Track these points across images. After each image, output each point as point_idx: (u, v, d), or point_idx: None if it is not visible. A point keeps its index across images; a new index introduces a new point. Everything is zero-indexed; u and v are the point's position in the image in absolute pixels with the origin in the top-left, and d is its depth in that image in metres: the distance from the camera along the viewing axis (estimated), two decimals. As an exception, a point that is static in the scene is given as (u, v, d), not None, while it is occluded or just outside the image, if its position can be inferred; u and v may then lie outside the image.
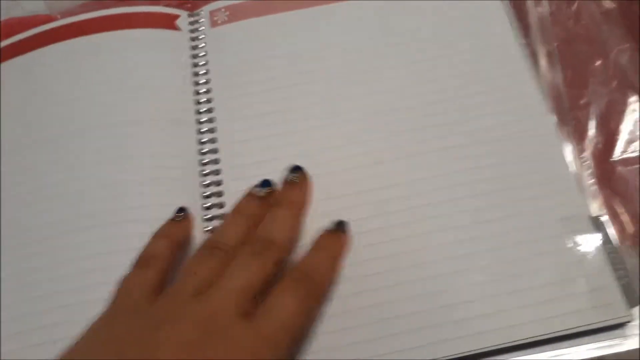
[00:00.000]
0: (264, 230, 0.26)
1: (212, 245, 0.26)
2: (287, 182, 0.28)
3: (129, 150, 0.33)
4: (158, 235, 0.28)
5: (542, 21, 0.38)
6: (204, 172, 0.33)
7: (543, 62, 0.37)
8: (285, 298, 0.24)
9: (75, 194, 0.32)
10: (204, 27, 0.37)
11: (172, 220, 0.29)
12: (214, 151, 0.33)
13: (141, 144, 0.33)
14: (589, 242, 0.29)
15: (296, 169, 0.28)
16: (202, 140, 0.33)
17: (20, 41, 0.37)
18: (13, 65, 0.37)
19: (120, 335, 0.22)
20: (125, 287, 0.25)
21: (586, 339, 0.27)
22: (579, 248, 0.29)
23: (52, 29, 0.37)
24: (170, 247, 0.27)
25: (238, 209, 0.28)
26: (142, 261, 0.26)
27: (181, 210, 0.29)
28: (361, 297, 0.28)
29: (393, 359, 0.26)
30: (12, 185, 0.33)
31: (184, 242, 0.28)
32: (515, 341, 0.27)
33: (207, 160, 0.33)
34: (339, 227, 0.27)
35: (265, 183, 0.28)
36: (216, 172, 0.32)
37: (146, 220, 0.29)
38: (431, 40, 0.35)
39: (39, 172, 0.33)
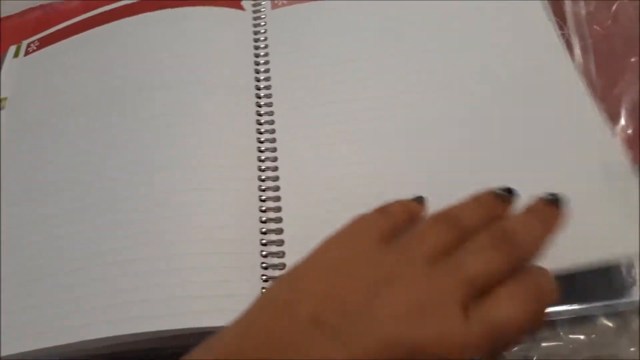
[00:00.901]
0: (510, 226, 0.24)
1: (448, 218, 0.25)
2: (544, 200, 0.26)
3: (194, 109, 0.36)
4: (397, 201, 0.27)
5: (578, 16, 0.41)
6: (260, 131, 0.36)
7: (577, 53, 0.39)
8: (511, 303, 0.22)
9: (143, 141, 0.35)
10: (265, 9, 0.41)
11: (411, 200, 0.28)
12: (270, 113, 0.36)
13: (205, 105, 0.37)
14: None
15: (553, 198, 0.26)
16: (260, 104, 0.37)
17: (102, 13, 0.42)
18: (94, 34, 0.41)
19: (345, 274, 0.22)
20: (360, 222, 0.25)
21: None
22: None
23: (133, 4, 0.42)
24: (406, 214, 0.26)
25: (477, 198, 0.26)
26: (381, 210, 0.26)
27: (420, 197, 0.28)
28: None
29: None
30: (88, 138, 0.37)
31: (416, 217, 0.27)
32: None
33: (263, 121, 0.36)
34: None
35: (509, 190, 0.27)
36: (272, 141, 0.35)
37: (204, 166, 0.32)
38: (476, 29, 0.38)
39: (111, 126, 0.37)
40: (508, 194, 0.26)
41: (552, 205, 0.26)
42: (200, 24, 0.40)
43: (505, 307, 0.21)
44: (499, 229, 0.24)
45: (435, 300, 0.21)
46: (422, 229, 0.24)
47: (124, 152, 0.35)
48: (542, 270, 0.24)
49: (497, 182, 0.28)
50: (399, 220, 0.25)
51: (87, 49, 0.41)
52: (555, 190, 0.26)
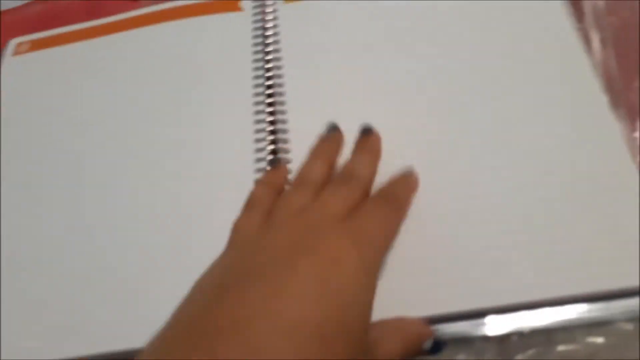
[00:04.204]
0: (348, 168, 0.30)
1: (302, 181, 0.30)
2: (363, 134, 0.32)
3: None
4: (259, 182, 0.32)
5: (596, 8, 0.39)
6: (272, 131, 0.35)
7: (596, 46, 0.38)
8: (374, 210, 0.28)
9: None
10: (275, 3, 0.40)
11: (269, 169, 0.32)
12: (282, 103, 0.36)
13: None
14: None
15: (368, 128, 0.32)
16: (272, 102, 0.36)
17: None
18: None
19: (227, 263, 0.25)
20: (236, 228, 0.29)
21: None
22: (630, 216, 0.29)
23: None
24: (270, 192, 0.30)
25: (316, 151, 0.32)
26: (248, 205, 0.30)
27: (275, 160, 0.33)
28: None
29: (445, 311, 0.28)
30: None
31: (281, 187, 0.31)
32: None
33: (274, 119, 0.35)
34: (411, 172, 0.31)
35: (332, 126, 0.32)
36: (285, 141, 0.34)
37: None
38: (490, 21, 0.37)
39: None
40: (333, 131, 0.32)
41: (368, 134, 0.32)
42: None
43: (370, 213, 0.27)
44: (343, 170, 0.30)
45: (312, 226, 0.26)
46: (283, 197, 0.29)
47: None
48: (395, 184, 0.30)
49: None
50: (266, 206, 0.29)
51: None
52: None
